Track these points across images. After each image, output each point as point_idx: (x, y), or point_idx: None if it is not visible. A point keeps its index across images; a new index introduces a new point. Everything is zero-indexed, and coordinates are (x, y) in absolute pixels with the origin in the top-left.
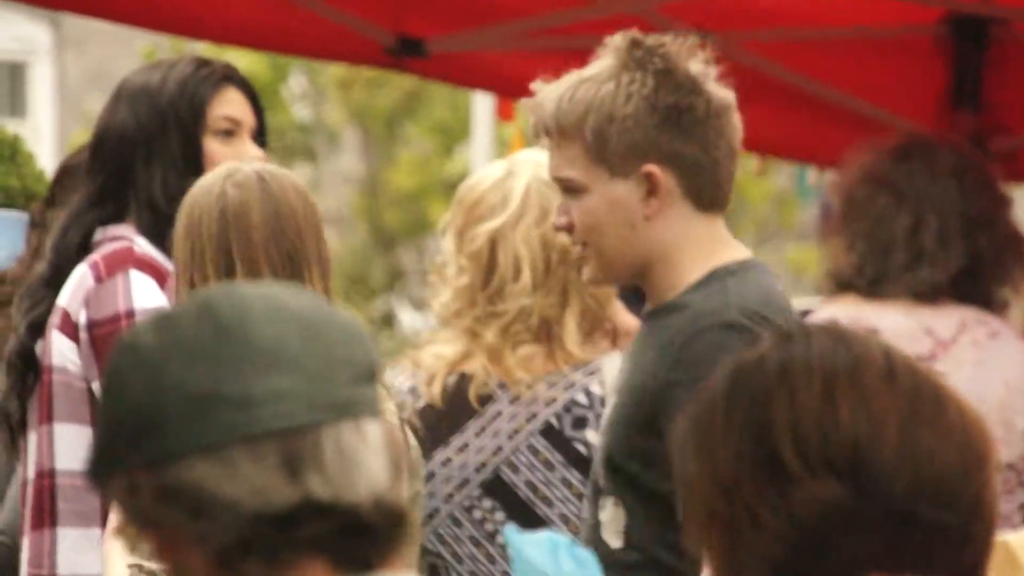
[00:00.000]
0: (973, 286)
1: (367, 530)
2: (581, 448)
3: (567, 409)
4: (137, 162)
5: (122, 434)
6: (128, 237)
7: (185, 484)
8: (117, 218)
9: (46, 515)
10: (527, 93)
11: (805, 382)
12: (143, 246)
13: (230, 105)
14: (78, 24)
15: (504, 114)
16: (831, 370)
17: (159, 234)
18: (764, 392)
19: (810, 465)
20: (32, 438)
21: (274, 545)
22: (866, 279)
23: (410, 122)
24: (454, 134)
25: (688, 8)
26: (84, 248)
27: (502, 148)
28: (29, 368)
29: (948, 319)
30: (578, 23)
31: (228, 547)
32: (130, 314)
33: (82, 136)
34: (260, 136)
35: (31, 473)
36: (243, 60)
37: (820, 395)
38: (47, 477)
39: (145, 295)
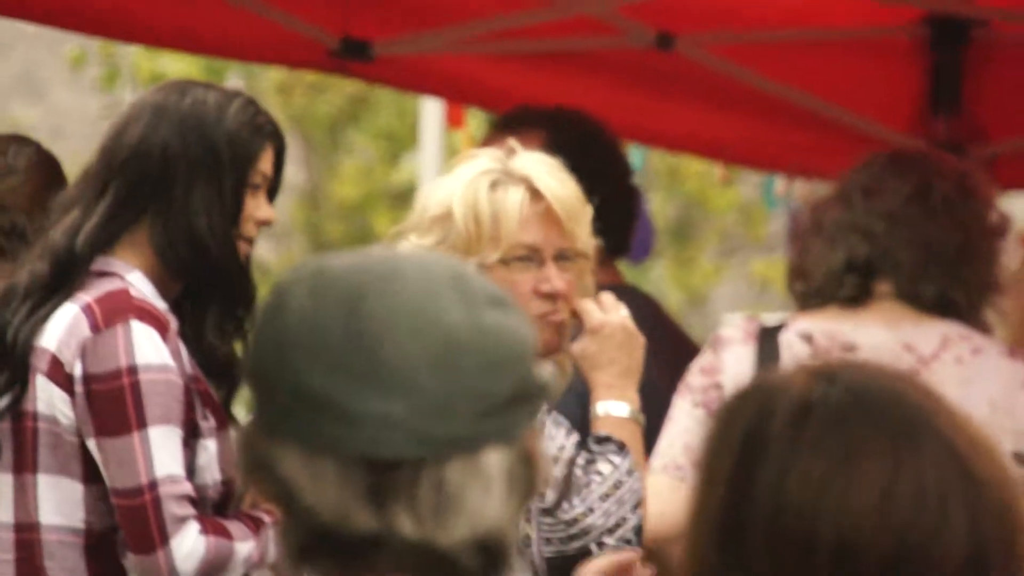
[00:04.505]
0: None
1: (457, 571)
2: None
3: None
4: (176, 187)
5: (248, 374)
6: (120, 275)
7: (277, 469)
8: (127, 230)
9: (37, 571)
10: (478, 98)
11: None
12: (139, 288)
13: (266, 162)
14: (1, 27)
15: (454, 120)
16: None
17: (179, 266)
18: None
19: None
20: (3, 478)
21: (346, 561)
22: (815, 293)
23: (353, 129)
24: (400, 141)
25: (649, 9)
26: (93, 254)
27: (451, 156)
28: (20, 368)
29: (929, 334)
30: (534, 25)
31: (301, 547)
32: (132, 370)
33: None
34: (272, 191)
35: (7, 518)
36: (177, 64)
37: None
38: (33, 531)
39: (148, 349)
